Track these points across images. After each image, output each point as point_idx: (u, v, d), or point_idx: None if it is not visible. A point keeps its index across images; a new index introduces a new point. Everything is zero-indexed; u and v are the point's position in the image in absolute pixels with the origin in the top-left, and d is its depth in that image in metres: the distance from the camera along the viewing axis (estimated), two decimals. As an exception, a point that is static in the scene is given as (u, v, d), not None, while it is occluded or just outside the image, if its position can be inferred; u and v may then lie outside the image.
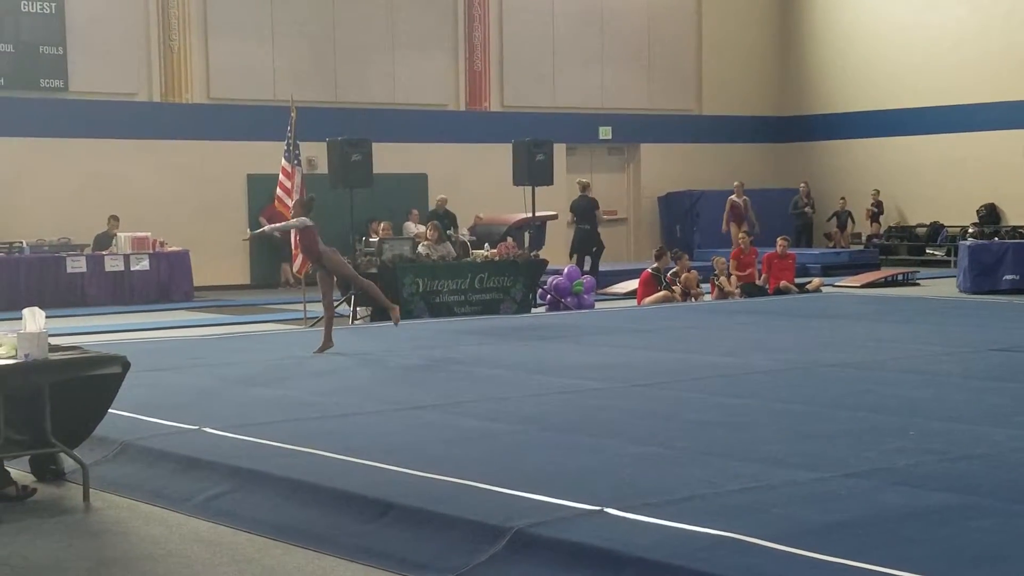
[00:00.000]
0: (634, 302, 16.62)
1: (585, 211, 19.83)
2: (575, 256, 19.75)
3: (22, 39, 18.74)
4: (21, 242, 17.28)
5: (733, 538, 4.69)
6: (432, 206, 20.86)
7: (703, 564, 4.43)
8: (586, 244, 19.76)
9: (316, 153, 17.95)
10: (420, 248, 15.23)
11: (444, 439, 6.92)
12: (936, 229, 24.55)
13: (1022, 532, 4.74)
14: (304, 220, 11.04)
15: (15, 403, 6.11)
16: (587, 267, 19.22)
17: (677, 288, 16.30)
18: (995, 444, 6.40)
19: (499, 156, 19.11)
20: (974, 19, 23.78)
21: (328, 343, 10.93)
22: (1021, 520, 4.92)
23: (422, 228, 18.15)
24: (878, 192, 24.84)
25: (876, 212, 24.90)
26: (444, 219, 19.88)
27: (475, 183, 21.61)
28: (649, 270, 16.86)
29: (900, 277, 19.87)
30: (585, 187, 20.16)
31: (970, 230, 22.07)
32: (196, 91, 20.31)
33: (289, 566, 5.06)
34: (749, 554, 4.52)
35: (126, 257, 17.64)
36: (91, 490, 6.17)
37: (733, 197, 21.00)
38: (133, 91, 19.86)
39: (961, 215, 23.81)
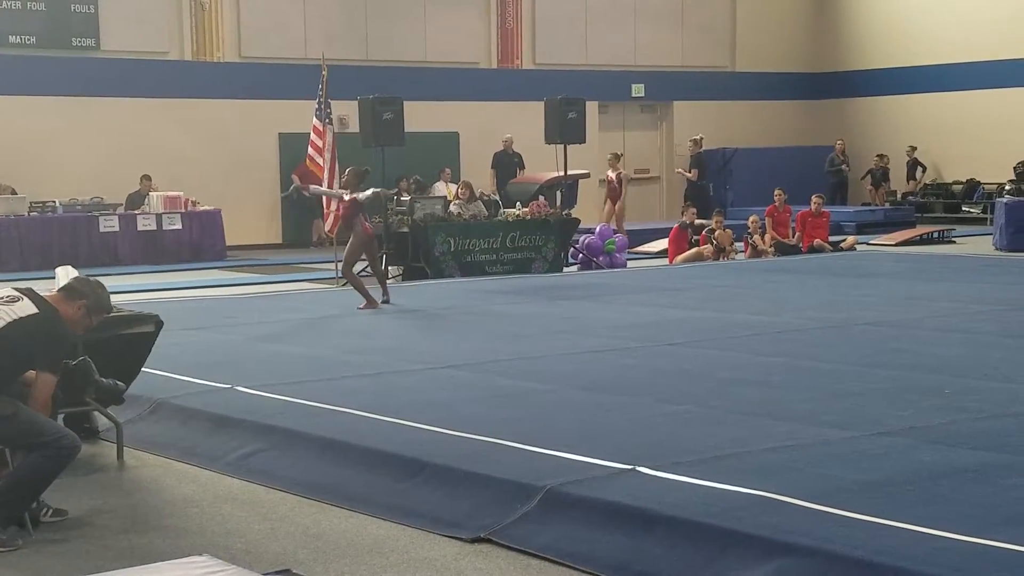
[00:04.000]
0: (666, 261, 16.55)
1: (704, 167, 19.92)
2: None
3: (54, -2, 18.78)
4: (54, 201, 17.38)
5: (765, 497, 4.67)
6: (461, 170, 20.78)
7: (735, 523, 4.41)
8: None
9: (347, 112, 17.90)
10: (451, 207, 15.20)
11: (476, 398, 6.93)
12: (972, 186, 24.24)
13: (1059, 492, 4.70)
14: (341, 192, 11.17)
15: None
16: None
17: (707, 247, 16.20)
18: (1031, 403, 6.34)
19: (531, 114, 18.97)
20: (1014, -28, 23.32)
21: (372, 301, 11.00)
22: (1058, 479, 4.87)
23: (452, 187, 18.11)
24: (914, 148, 24.54)
25: (913, 168, 24.60)
26: (514, 159, 19.80)
27: (514, 137, 21.48)
28: (677, 225, 16.77)
29: (935, 235, 19.66)
30: (698, 143, 20.20)
31: (1007, 187, 21.77)
32: (227, 50, 20.28)
33: (322, 524, 5.09)
34: (781, 513, 4.50)
35: (158, 216, 17.71)
36: (125, 448, 6.23)
37: (609, 172, 20.12)
38: (165, 50, 19.85)
39: (998, 172, 23.47)
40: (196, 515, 5.26)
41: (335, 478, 5.59)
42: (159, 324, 6.43)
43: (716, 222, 16.56)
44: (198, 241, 17.96)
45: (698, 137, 20.64)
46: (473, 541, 4.79)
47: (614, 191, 18.77)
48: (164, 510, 5.41)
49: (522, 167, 20.07)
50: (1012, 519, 4.34)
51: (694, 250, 16.21)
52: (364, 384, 7.39)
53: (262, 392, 7.08)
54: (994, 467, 5.06)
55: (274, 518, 5.18)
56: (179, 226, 17.85)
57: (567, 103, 16.31)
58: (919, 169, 24.59)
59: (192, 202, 18.19)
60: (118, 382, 5.53)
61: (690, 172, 20.28)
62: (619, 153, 19.80)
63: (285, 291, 13.67)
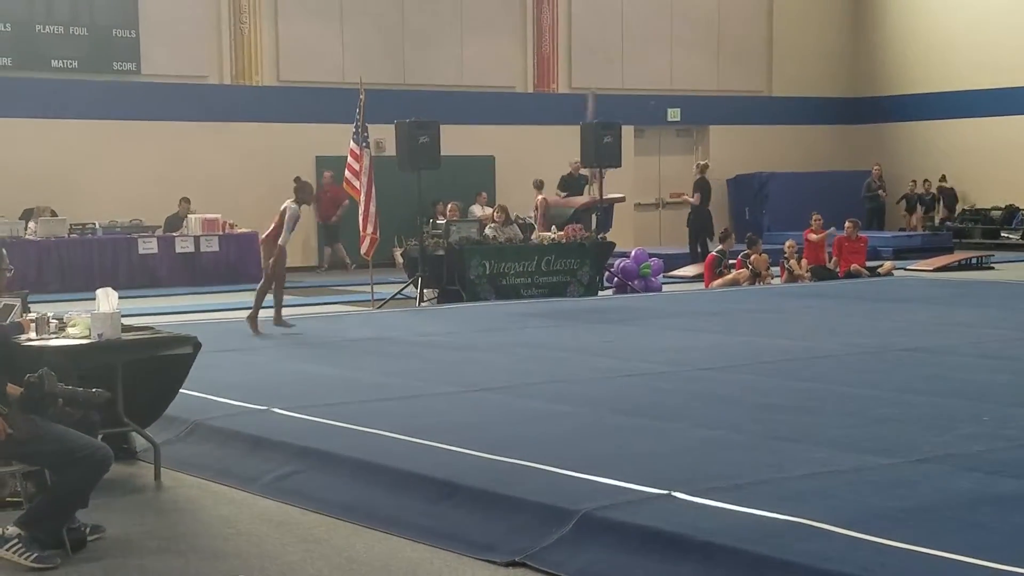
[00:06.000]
0: (701, 285, 16.50)
1: (707, 192, 19.70)
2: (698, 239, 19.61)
3: (96, 22, 19.04)
4: (94, 223, 17.57)
5: (801, 523, 4.64)
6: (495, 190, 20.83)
7: (770, 549, 4.39)
8: (705, 227, 19.58)
9: (384, 135, 18.02)
10: (487, 230, 15.25)
11: (510, 421, 6.93)
12: (1012, 212, 24.04)
13: (1099, 521, 4.64)
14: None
15: (89, 382, 6.21)
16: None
17: (743, 272, 16.14)
18: (1072, 431, 6.27)
19: (567, 138, 19.04)
20: (1053, -4, 23.19)
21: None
22: (1099, 509, 4.81)
23: (488, 211, 18.16)
24: (944, 177, 24.41)
25: (940, 197, 24.49)
26: (580, 181, 19.72)
27: (543, 165, 21.56)
28: (714, 252, 16.74)
29: (974, 261, 19.50)
30: (704, 168, 20.06)
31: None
32: (266, 74, 20.49)
33: (357, 546, 5.11)
34: (817, 539, 4.47)
35: (196, 239, 17.86)
36: (162, 469, 6.27)
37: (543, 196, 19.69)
38: (204, 74, 20.08)
39: (1038, 198, 23.30)
40: (232, 536, 5.29)
41: (369, 500, 5.61)
42: (197, 346, 6.49)
43: (754, 248, 16.49)
44: (235, 263, 18.09)
45: (703, 163, 20.45)
46: (508, 565, 4.79)
47: None
48: (201, 531, 5.44)
49: (586, 188, 19.92)
50: (1052, 548, 4.30)
51: (731, 275, 16.17)
52: (398, 406, 7.41)
53: (298, 414, 7.12)
54: (1034, 495, 5.01)
55: (310, 540, 5.21)
56: (217, 248, 18.00)
57: (603, 127, 16.35)
58: (946, 198, 24.50)
59: (230, 225, 18.35)
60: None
61: (692, 196, 20.10)
62: None
63: (321, 313, 13.73)
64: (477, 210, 19.96)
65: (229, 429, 6.86)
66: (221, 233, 18.12)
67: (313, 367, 9.12)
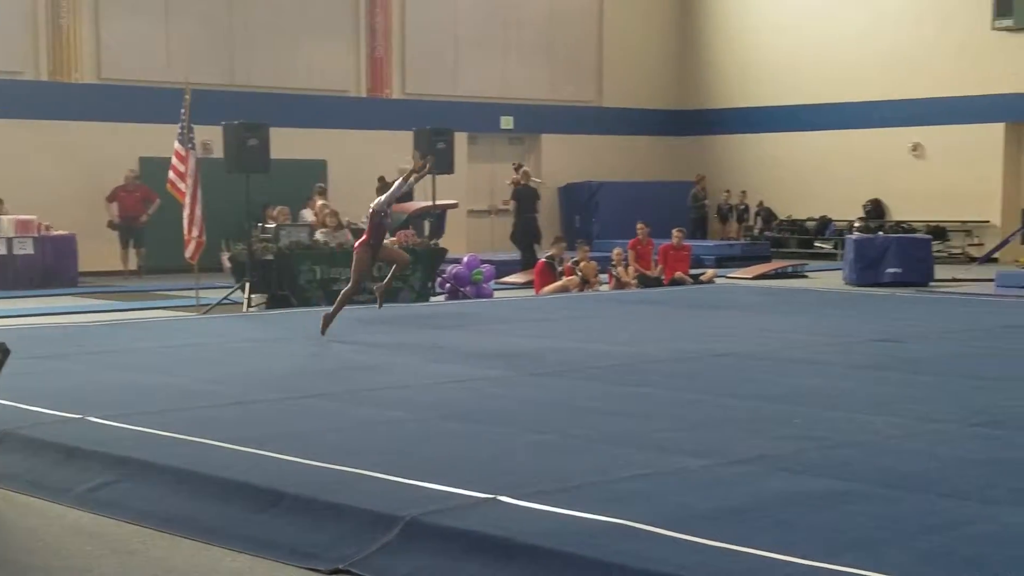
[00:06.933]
0: (532, 291, 16.68)
1: (530, 199, 19.66)
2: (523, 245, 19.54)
3: (-98, 13, 18.11)
4: (-99, 223, 16.69)
5: (624, 524, 4.73)
6: (324, 191, 20.60)
7: (594, 551, 4.46)
8: (531, 234, 19.58)
9: (211, 137, 17.64)
10: (317, 235, 15.08)
11: (338, 428, 6.86)
12: (825, 223, 25.13)
13: (898, 517, 4.88)
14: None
15: None
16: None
17: (572, 279, 16.41)
18: (875, 431, 6.57)
19: (400, 143, 19.01)
20: (865, 18, 24.36)
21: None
22: (897, 505, 5.06)
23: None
24: (744, 193, 25.42)
25: (760, 210, 25.45)
26: (534, 191, 19.41)
27: (376, 170, 21.45)
28: (543, 259, 16.96)
29: (790, 269, 20.29)
30: (527, 175, 20.02)
31: (856, 224, 22.64)
32: (86, 71, 19.81)
33: (175, 558, 4.97)
34: (639, 540, 4.57)
35: (9, 240, 17.13)
36: (-33, 481, 5.98)
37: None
38: (19, 69, 19.28)
39: (849, 209, 24.41)
40: (39, 549, 5.07)
41: (190, 510, 5.47)
42: (6, 351, 6.20)
43: (581, 254, 16.79)
44: (51, 266, 17.42)
45: (521, 169, 20.61)
46: (331, 573, 4.73)
47: None
48: (4, 545, 5.20)
49: (538, 197, 19.76)
50: (855, 543, 4.49)
51: (560, 281, 16.40)
52: (223, 414, 7.25)
53: (115, 422, 6.88)
54: (839, 494, 5.23)
55: (124, 552, 5.04)
56: (31, 251, 17.30)
57: (436, 133, 16.39)
58: (752, 212, 25.51)
59: (45, 226, 17.65)
60: None
61: (507, 203, 20.25)
62: None
63: (144, 319, 13.34)
64: (308, 215, 19.72)
65: (40, 439, 6.58)
66: (36, 235, 17.42)
67: (133, 375, 8.84)
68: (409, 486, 5.42)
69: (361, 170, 20.66)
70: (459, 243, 20.36)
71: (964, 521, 4.79)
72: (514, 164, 20.61)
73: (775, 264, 20.93)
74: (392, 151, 20.48)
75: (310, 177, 21.18)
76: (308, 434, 6.62)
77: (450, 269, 15.99)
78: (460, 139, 19.19)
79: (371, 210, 10.93)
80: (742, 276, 19.51)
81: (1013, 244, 21.20)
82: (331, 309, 10.89)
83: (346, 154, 21.70)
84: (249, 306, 14.11)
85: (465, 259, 16.35)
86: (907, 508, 5.01)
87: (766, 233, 25.28)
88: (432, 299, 15.36)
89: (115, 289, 17.33)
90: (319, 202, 17.67)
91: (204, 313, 13.62)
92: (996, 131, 23.02)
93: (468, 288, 15.78)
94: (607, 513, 4.87)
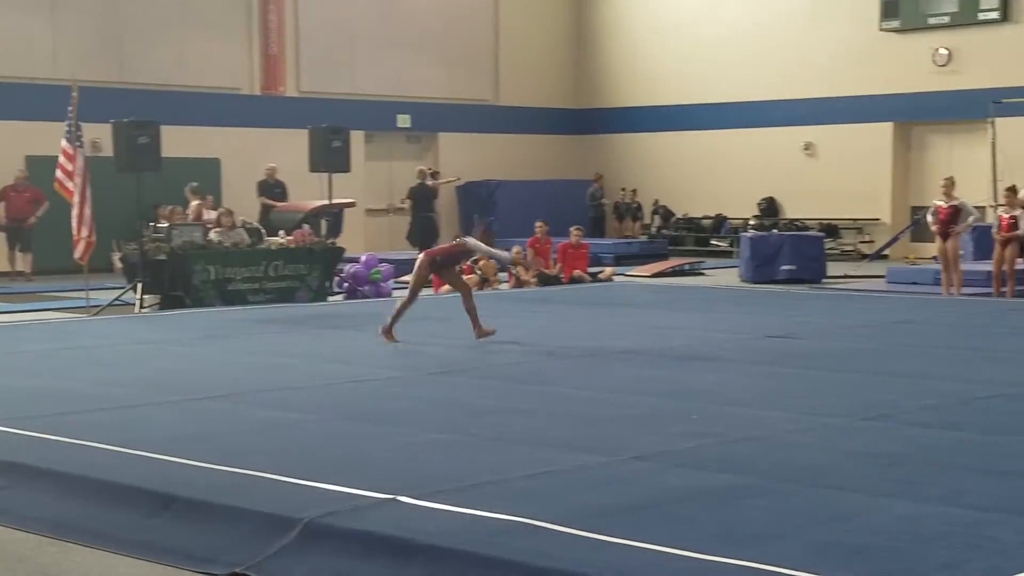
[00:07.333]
0: (431, 290, 16.63)
1: (426, 199, 19.63)
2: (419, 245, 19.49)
3: None
4: None
5: (523, 522, 4.75)
6: (201, 191, 20.34)
7: (493, 549, 4.47)
8: (429, 233, 19.54)
9: (100, 135, 17.23)
10: (212, 234, 14.85)
11: (233, 430, 6.77)
12: (720, 221, 25.54)
13: (793, 510, 4.98)
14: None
15: None
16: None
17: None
18: (770, 426, 6.70)
19: (295, 142, 18.80)
20: (756, 19, 24.81)
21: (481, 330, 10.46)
22: (793, 498, 5.16)
23: (214, 214, 17.69)
24: (635, 191, 25.76)
25: (635, 209, 25.82)
26: (275, 188, 19.47)
27: (279, 167, 21.22)
28: (443, 258, 16.92)
29: (687, 267, 20.58)
30: (424, 175, 20.02)
31: (751, 222, 23.07)
32: (-32, 66, 19.22)
33: (64, 563, 4.85)
34: (538, 537, 4.59)
35: None
36: None
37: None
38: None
39: (744, 208, 24.85)
40: (-76, 560, 4.91)
41: (80, 516, 5.33)
42: None
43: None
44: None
45: (422, 168, 20.65)
46: (228, 577, 4.67)
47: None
48: None
49: (285, 197, 19.76)
50: (752, 537, 4.57)
51: (458, 280, 16.35)
52: (115, 417, 7.10)
53: (3, 427, 6.69)
54: (736, 488, 5.31)
55: (12, 558, 4.90)
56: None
57: (332, 131, 16.26)
58: (647, 209, 25.91)
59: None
60: None
61: (404, 202, 20.23)
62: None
63: (32, 321, 12.98)
64: (203, 214, 19.39)
65: (-77, 446, 6.37)
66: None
67: (22, 379, 8.60)
68: (307, 488, 5.36)
69: (255, 169, 20.38)
70: (357, 242, 20.23)
71: (853, 513, 4.91)
72: (428, 169, 20.66)
73: (672, 262, 21.20)
74: (287, 149, 20.27)
75: (202, 176, 20.83)
76: (203, 437, 6.51)
77: (348, 268, 15.87)
78: (357, 137, 19.09)
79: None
80: (640, 274, 19.72)
81: (903, 241, 21.79)
82: (389, 322, 10.55)
83: (240, 152, 21.39)
84: (141, 307, 13.83)
85: (363, 258, 16.24)
86: (799, 502, 5.11)
87: (663, 231, 25.60)
88: (330, 299, 15.23)
89: (3, 291, 16.83)
90: (193, 202, 17.40)
91: (95, 315, 13.32)
92: (885, 130, 23.64)
93: (366, 287, 15.68)
94: (507, 511, 4.88)
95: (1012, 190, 15.34)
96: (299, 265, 14.96)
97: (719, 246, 25.08)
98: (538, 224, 18.12)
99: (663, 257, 22.53)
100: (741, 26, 24.93)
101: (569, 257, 17.97)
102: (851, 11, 23.64)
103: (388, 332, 10.41)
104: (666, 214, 26.06)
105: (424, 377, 8.59)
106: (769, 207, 24.78)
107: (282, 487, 5.40)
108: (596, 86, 27.10)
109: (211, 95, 21.64)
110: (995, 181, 18.69)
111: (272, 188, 19.78)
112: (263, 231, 16.23)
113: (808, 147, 24.45)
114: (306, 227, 16.01)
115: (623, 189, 26.00)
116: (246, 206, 19.51)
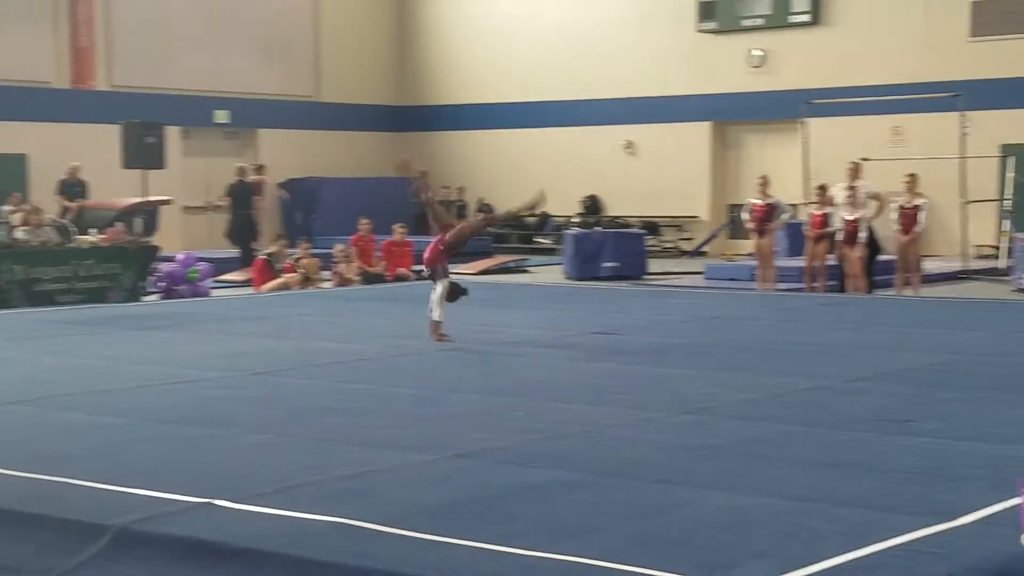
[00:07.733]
0: (251, 289, 16.30)
1: (245, 196, 19.18)
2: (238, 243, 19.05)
3: None
4: None
5: (344, 523, 4.66)
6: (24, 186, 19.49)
7: (312, 551, 4.37)
8: (248, 231, 19.09)
9: None
10: (18, 233, 14.19)
11: (43, 436, 6.46)
12: (544, 219, 25.82)
13: (616, 503, 5.02)
14: None
15: None
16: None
17: (293, 276, 16.15)
18: (593, 422, 6.75)
19: (108, 137, 18.15)
20: (576, 19, 25.21)
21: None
22: (615, 492, 5.21)
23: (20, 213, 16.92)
24: (462, 189, 25.88)
25: (460, 207, 25.95)
26: (75, 188, 18.72)
27: (83, 165, 20.42)
28: (262, 256, 16.63)
29: (512, 264, 20.74)
30: (244, 171, 19.54)
31: (575, 220, 23.40)
32: None
33: None
34: (359, 538, 4.50)
35: None
36: None
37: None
38: None
39: (567, 206, 25.19)
40: None
41: None
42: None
43: (302, 250, 16.56)
44: None
45: (242, 165, 20.24)
46: (33, 589, 4.44)
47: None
48: None
49: (85, 196, 18.95)
50: (576, 531, 4.59)
51: (281, 279, 16.10)
52: (-92, 426, 6.67)
53: None
54: (561, 484, 5.33)
55: None
56: None
57: (145, 127, 15.77)
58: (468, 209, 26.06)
59: None
60: None
61: (222, 199, 19.85)
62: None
63: None
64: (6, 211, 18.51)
65: None
66: None
67: None
68: (119, 494, 5.16)
69: (66, 165, 19.57)
70: (174, 240, 19.65)
71: (673, 505, 4.98)
72: (252, 165, 20.33)
73: (497, 259, 21.32)
74: (98, 145, 19.54)
75: (10, 172, 19.92)
76: (8, 444, 6.20)
77: (164, 267, 15.40)
78: (173, 133, 18.58)
79: (468, 226, 10.78)
80: (465, 271, 19.73)
81: (720, 238, 22.46)
82: (437, 319, 10.02)
83: (49, 148, 20.51)
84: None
85: (180, 257, 15.78)
86: (622, 495, 5.16)
87: (488, 229, 25.70)
88: (144, 299, 14.75)
89: None
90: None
91: None
92: (703, 130, 24.32)
93: (183, 287, 15.24)
94: (327, 512, 4.78)
95: (823, 188, 15.97)
96: (112, 264, 14.45)
97: (543, 243, 25.35)
98: (362, 221, 17.95)
99: (487, 255, 22.63)
100: (563, 26, 25.27)
101: (393, 255, 17.88)
102: (669, 12, 24.24)
103: (438, 332, 9.95)
104: (489, 212, 26.16)
105: (246, 378, 8.38)
106: (592, 205, 25.19)
107: (93, 494, 5.18)
108: (419, 83, 27.05)
109: (16, 88, 20.69)
110: (807, 180, 19.44)
111: (72, 187, 18.97)
112: (73, 229, 15.60)
113: (629, 146, 24.95)
114: (119, 225, 15.48)
115: (445, 187, 26.00)
116: (56, 203, 18.75)
